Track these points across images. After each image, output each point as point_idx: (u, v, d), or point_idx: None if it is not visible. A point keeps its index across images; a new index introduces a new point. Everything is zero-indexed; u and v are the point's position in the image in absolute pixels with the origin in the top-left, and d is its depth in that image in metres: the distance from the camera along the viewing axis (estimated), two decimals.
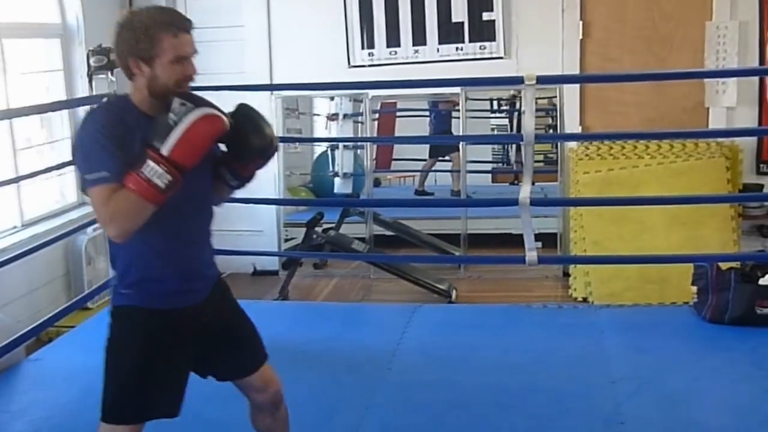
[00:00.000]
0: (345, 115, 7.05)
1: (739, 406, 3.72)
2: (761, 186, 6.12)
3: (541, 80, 4.39)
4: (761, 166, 6.26)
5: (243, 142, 2.45)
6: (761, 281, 4.74)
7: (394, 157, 8.08)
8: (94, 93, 4.97)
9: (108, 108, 2.41)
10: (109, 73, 4.83)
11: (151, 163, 2.18)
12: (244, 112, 2.47)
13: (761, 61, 6.07)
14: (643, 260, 5.34)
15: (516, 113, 7.28)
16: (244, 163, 2.51)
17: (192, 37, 2.35)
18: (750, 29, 6.07)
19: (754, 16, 6.06)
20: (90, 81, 5.07)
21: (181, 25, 2.32)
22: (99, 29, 5.96)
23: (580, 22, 6.20)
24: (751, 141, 6.21)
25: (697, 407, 3.70)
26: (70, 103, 5.76)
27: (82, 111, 5.89)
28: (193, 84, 2.39)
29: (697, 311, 4.82)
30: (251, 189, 6.62)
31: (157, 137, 2.21)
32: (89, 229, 5.59)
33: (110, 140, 2.24)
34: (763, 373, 3.93)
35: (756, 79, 6.17)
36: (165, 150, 2.19)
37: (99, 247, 5.79)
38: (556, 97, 6.40)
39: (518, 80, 4.35)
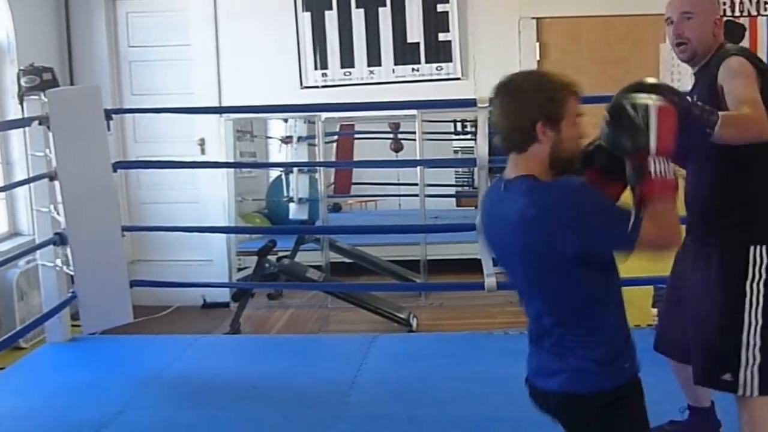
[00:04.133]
0: (299, 138, 6.89)
1: None
2: None
3: None
4: None
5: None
6: None
7: (353, 181, 7.94)
8: (26, 115, 4.71)
9: (570, 181, 2.13)
10: (42, 94, 4.58)
11: (653, 163, 2.00)
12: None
13: None
14: None
15: None
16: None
17: None
18: None
19: None
20: (21, 102, 4.81)
21: (580, 90, 2.15)
22: (32, 47, 5.75)
23: (537, 44, 6.16)
24: None
25: None
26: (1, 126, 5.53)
27: (13, 134, 5.65)
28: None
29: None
30: (199, 216, 6.51)
31: (634, 141, 2.03)
32: (21, 262, 5.31)
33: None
34: (721, 394, 3.86)
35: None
36: (653, 146, 2.00)
37: (32, 281, 5.46)
38: None
39: (472, 103, 4.26)
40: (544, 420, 3.61)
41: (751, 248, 2.68)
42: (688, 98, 2.50)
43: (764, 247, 2.68)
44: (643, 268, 5.22)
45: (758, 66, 2.71)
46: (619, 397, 2.17)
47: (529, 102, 2.08)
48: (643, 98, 2.08)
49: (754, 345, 2.66)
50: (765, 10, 6.09)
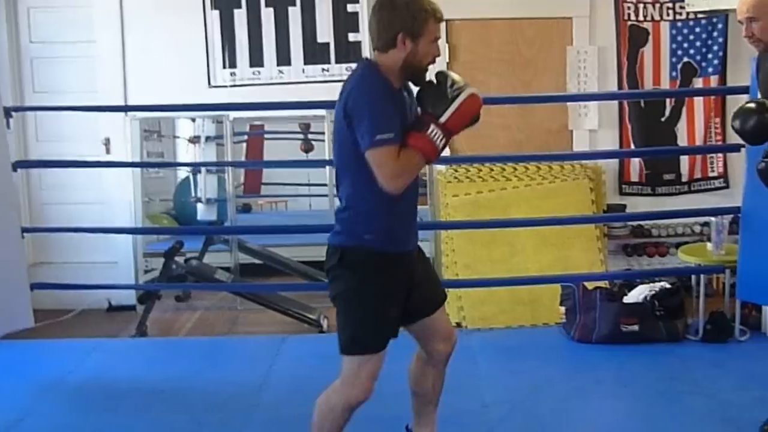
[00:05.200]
0: (207, 138, 6.79)
1: (605, 424, 3.80)
2: (624, 206, 6.30)
3: None
4: (623, 186, 6.45)
5: None
6: (625, 299, 4.87)
7: (264, 181, 7.87)
8: None
9: (379, 73, 2.69)
10: None
11: (432, 126, 2.61)
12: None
13: (619, 85, 6.30)
14: (513, 282, 5.36)
15: None
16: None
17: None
18: (608, 54, 6.29)
19: (611, 42, 6.29)
20: None
21: (440, 14, 2.72)
22: None
23: (446, 45, 6.20)
24: (613, 163, 6.40)
25: (567, 428, 3.75)
26: None
27: None
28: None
29: (566, 331, 4.90)
30: (104, 217, 6.36)
31: (435, 105, 2.64)
32: None
33: (392, 104, 2.65)
34: (628, 390, 4.05)
35: (616, 102, 6.39)
36: (444, 117, 2.62)
37: None
38: None
39: None
40: (453, 417, 3.70)
41: None
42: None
43: None
44: (551, 268, 5.39)
45: None
46: (353, 255, 2.78)
47: (397, 15, 2.65)
48: (462, 81, 2.69)
49: None
50: (667, 15, 6.25)
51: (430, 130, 2.61)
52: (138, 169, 6.43)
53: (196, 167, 6.98)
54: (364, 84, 2.65)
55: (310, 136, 7.36)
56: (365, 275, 2.78)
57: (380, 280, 2.78)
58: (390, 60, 2.69)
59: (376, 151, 2.58)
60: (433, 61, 2.75)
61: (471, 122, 2.77)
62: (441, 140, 2.63)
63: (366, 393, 2.85)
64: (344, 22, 6.18)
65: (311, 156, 7.27)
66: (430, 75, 2.78)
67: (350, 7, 6.17)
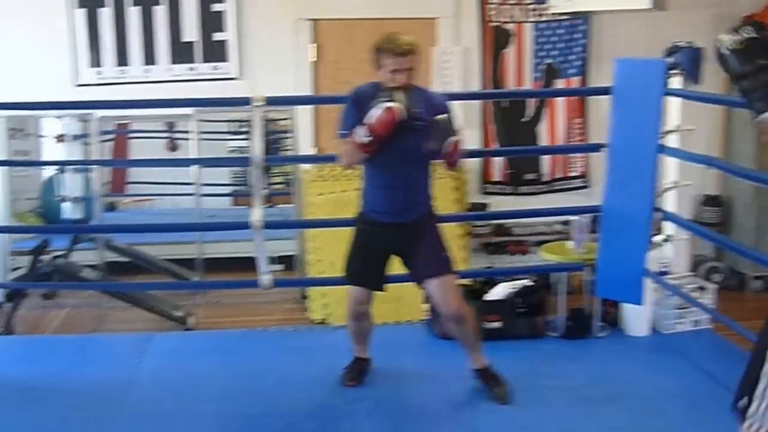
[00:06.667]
0: (74, 136, 6.69)
1: (467, 419, 3.87)
2: (486, 205, 6.48)
3: (271, 101, 4.37)
4: (486, 186, 6.65)
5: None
6: (486, 297, 4.94)
7: (129, 180, 7.79)
8: None
9: (361, 87, 3.72)
10: None
11: (359, 129, 3.51)
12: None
13: (483, 85, 6.47)
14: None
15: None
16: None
17: (407, 58, 3.54)
18: (473, 55, 6.47)
19: (476, 43, 6.46)
20: None
21: (398, 50, 3.54)
22: None
23: (314, 45, 6.27)
24: (476, 162, 6.57)
25: (432, 422, 3.86)
26: None
27: None
28: None
29: (429, 328, 4.94)
30: None
31: (367, 114, 3.50)
32: None
33: (354, 108, 3.62)
34: None
35: (479, 102, 6.54)
36: (367, 122, 3.49)
37: None
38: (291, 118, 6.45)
39: (246, 101, 4.32)
40: (318, 413, 3.82)
41: None
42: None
43: None
44: None
45: None
46: (361, 221, 3.86)
47: (372, 53, 3.61)
48: (382, 100, 3.51)
49: None
50: (530, 16, 6.47)
51: (358, 130, 3.50)
52: (3, 168, 6.32)
53: (61, 165, 6.87)
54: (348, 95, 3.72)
55: (175, 135, 7.35)
56: (354, 233, 3.89)
57: (359, 239, 3.86)
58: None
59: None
60: (399, 83, 3.54)
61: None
62: (364, 138, 3.49)
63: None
64: (210, 21, 6.21)
65: (176, 155, 7.26)
66: None
67: (215, 7, 6.21)
